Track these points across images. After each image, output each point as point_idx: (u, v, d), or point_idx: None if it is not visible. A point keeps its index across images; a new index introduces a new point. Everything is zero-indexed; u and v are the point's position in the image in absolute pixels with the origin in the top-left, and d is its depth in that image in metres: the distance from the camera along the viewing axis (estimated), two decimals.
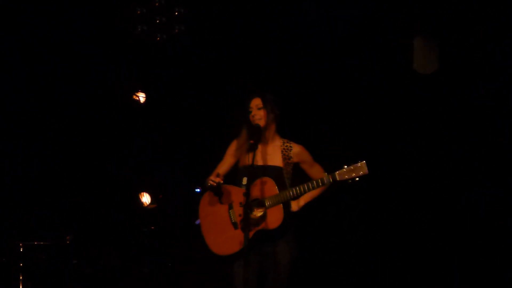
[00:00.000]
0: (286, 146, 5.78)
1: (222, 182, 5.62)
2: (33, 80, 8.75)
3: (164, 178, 9.11)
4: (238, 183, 5.72)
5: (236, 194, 5.59)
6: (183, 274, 8.62)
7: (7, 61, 8.54)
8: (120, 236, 8.92)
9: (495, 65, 7.26)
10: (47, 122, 8.88)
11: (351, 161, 5.50)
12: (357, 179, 5.46)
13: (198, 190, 8.50)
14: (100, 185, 9.03)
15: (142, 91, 9.11)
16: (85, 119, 8.95)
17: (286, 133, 5.89)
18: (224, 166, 5.88)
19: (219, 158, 5.94)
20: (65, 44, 8.66)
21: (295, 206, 5.74)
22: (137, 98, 9.14)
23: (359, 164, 5.45)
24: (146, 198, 9.17)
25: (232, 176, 5.80)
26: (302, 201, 5.78)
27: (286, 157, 5.73)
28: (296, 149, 5.79)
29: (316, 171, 5.77)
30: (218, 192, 5.68)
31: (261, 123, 5.74)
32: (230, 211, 5.66)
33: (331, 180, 5.49)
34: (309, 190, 5.55)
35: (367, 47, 7.87)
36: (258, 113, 5.77)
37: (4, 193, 8.63)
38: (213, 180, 5.59)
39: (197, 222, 5.95)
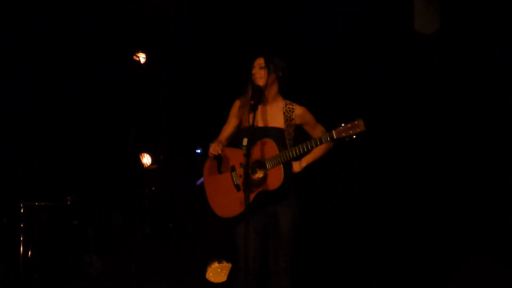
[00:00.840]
0: (289, 107, 5.74)
1: (222, 152, 5.62)
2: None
3: (164, 138, 9.09)
4: (240, 145, 5.71)
5: (238, 156, 5.57)
6: (185, 235, 8.64)
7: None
8: (121, 197, 8.92)
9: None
10: (50, 88, 8.86)
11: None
12: (354, 136, 5.43)
13: (199, 150, 8.51)
14: (101, 146, 9.03)
15: (142, 51, 9.07)
16: (88, 80, 8.92)
17: (290, 95, 5.85)
18: (228, 128, 5.87)
19: (220, 118, 5.92)
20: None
21: (297, 167, 5.72)
22: (138, 59, 9.10)
23: (356, 122, 5.39)
24: (146, 159, 9.17)
25: (238, 137, 5.78)
26: (304, 162, 5.75)
27: (288, 119, 5.70)
28: (298, 111, 5.75)
29: (318, 132, 5.71)
30: (219, 160, 5.69)
31: (261, 82, 5.71)
32: (233, 173, 5.65)
33: (328, 138, 5.43)
34: (307, 149, 5.51)
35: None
36: (259, 72, 5.74)
37: (5, 153, 8.63)
38: (214, 149, 5.60)
39: (198, 182, 5.94)
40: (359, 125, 5.39)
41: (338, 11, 7.76)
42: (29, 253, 7.97)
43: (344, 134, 5.42)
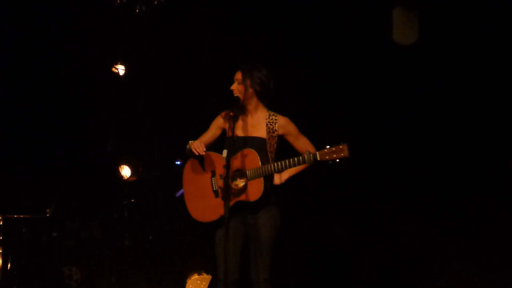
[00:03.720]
0: (272, 118, 5.76)
1: (204, 154, 5.62)
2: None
3: (144, 150, 9.08)
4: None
5: (220, 163, 5.58)
6: (164, 246, 8.62)
7: None
8: (100, 209, 8.89)
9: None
10: (28, 93, 8.82)
11: (334, 142, 5.51)
12: (338, 160, 5.47)
13: (179, 162, 8.50)
14: (80, 158, 8.99)
15: (121, 63, 9.05)
16: (66, 91, 8.89)
17: (275, 106, 5.88)
18: (207, 135, 5.89)
19: (201, 130, 5.93)
20: (46, 17, 8.62)
21: (277, 179, 5.78)
22: (116, 71, 9.08)
23: (341, 146, 5.44)
24: (126, 171, 9.15)
25: (220, 147, 5.77)
26: (286, 174, 5.83)
27: (270, 130, 5.72)
28: (281, 121, 5.77)
29: (302, 143, 5.76)
30: (200, 161, 5.70)
31: (240, 96, 5.74)
32: (213, 179, 5.69)
33: (312, 159, 5.48)
34: (290, 166, 5.55)
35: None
36: (237, 87, 5.77)
37: None
38: (197, 147, 5.59)
39: (178, 194, 5.95)
40: (343, 150, 5.44)
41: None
42: (8, 265, 7.91)
43: (327, 157, 5.47)
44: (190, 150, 5.65)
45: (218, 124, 5.90)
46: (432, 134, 7.64)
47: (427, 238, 7.63)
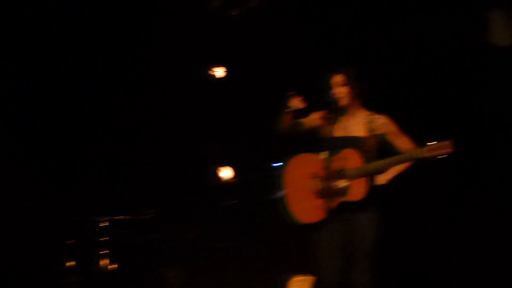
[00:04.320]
0: (371, 118, 5.73)
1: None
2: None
3: (242, 152, 9.11)
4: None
5: (319, 164, 5.57)
6: (264, 248, 8.63)
7: None
8: (198, 211, 8.96)
9: None
10: (130, 96, 8.98)
11: (433, 139, 5.45)
12: (442, 156, 5.40)
13: (277, 164, 8.50)
14: (179, 160, 9.09)
15: (218, 66, 9.12)
16: (167, 94, 9.00)
17: (372, 105, 5.83)
18: (305, 118, 5.87)
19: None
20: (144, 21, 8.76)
21: (382, 179, 5.70)
22: (213, 73, 9.15)
23: (446, 142, 5.38)
24: (225, 173, 9.20)
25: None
26: (390, 174, 5.74)
27: (370, 129, 5.69)
28: (380, 120, 5.73)
29: (402, 142, 5.69)
30: (293, 119, 5.68)
31: (344, 100, 5.71)
32: (313, 180, 5.64)
33: (418, 155, 5.44)
34: (394, 164, 5.52)
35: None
36: (340, 89, 5.73)
37: (85, 168, 8.76)
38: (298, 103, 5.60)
39: (277, 196, 5.95)
40: (448, 146, 5.36)
41: None
42: (108, 267, 8.05)
43: (434, 154, 5.39)
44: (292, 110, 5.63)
45: (315, 116, 5.88)
46: None
47: None
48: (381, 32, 8.01)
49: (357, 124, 5.74)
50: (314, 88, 5.93)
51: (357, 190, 5.48)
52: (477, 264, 7.55)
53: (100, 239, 8.09)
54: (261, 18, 8.57)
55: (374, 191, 5.60)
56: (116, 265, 8.15)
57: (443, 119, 7.61)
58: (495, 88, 7.55)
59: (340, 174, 5.53)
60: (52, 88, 8.65)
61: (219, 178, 9.16)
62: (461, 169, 7.37)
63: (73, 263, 8.08)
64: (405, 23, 7.88)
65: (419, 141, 5.55)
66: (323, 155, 5.54)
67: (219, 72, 9.12)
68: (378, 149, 5.72)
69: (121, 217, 8.28)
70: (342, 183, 5.53)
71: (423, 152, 5.43)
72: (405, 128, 5.78)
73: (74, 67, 8.75)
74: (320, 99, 5.81)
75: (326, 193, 5.32)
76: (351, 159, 5.53)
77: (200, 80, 9.13)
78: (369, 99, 5.86)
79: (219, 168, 9.19)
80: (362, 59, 7.50)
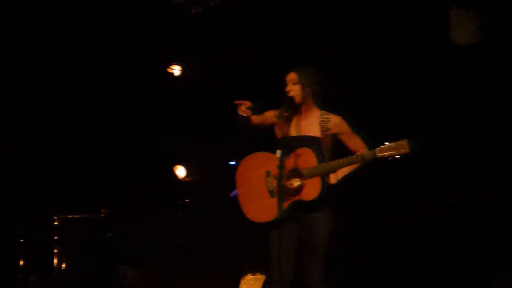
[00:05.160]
0: (324, 117, 5.72)
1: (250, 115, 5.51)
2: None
3: (198, 151, 9.09)
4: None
5: (273, 163, 5.50)
6: (217, 247, 8.62)
7: None
8: (155, 209, 8.92)
9: None
10: (84, 93, 8.91)
11: (391, 139, 5.46)
12: (397, 157, 5.42)
13: (233, 163, 8.49)
14: (135, 158, 9.05)
15: (176, 64, 9.08)
16: (123, 92, 8.96)
17: (326, 104, 5.83)
18: (258, 116, 5.78)
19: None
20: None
21: (333, 178, 5.69)
22: (172, 71, 9.12)
23: (400, 143, 5.40)
24: (180, 171, 9.17)
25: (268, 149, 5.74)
26: (341, 173, 5.72)
27: (324, 129, 5.68)
28: (334, 120, 5.73)
29: (355, 142, 5.73)
30: (247, 124, 5.58)
31: (296, 98, 5.70)
32: (267, 179, 5.63)
33: (371, 156, 5.46)
34: (348, 164, 5.53)
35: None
36: (292, 87, 5.73)
37: (39, 167, 8.68)
38: (244, 111, 5.47)
39: (232, 194, 5.93)
40: (403, 146, 5.39)
41: None
42: (63, 265, 7.98)
43: (387, 154, 5.43)
44: (241, 117, 5.53)
45: (270, 114, 5.83)
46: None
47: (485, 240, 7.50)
48: (341, 30, 8.02)
49: (311, 123, 5.74)
50: (275, 86, 5.93)
51: (310, 190, 5.47)
52: (428, 262, 7.60)
53: (56, 237, 8.00)
54: (223, 16, 8.53)
55: (328, 190, 5.59)
56: (71, 264, 8.07)
57: (401, 120, 7.64)
58: (454, 86, 7.60)
59: (294, 173, 5.52)
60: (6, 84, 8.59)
61: (176, 177, 9.13)
62: (415, 169, 7.40)
63: (28, 261, 7.98)
64: (365, 21, 7.89)
65: (378, 141, 5.57)
66: (278, 154, 5.50)
67: (177, 70, 9.09)
68: (333, 148, 5.73)
69: (77, 215, 8.21)
70: (295, 183, 5.52)
71: (376, 153, 5.45)
72: (363, 128, 5.80)
73: (28, 67, 8.68)
74: (280, 97, 5.79)
75: (280, 192, 5.30)
76: (304, 158, 5.52)
77: (158, 78, 9.09)
78: (327, 98, 5.86)
79: (176, 166, 9.16)
80: (323, 57, 7.51)
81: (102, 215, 8.33)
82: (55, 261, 7.97)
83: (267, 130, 5.90)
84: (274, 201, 5.49)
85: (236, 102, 5.47)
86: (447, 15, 7.62)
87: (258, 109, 5.69)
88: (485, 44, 7.43)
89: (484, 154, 7.43)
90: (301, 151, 5.54)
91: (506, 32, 7.33)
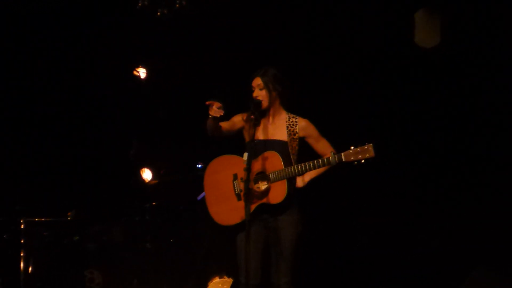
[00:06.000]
0: (292, 121, 5.75)
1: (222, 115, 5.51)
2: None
3: (165, 154, 9.07)
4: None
5: (241, 166, 5.53)
6: (185, 250, 8.61)
7: None
8: (122, 212, 8.89)
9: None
10: (48, 96, 8.85)
11: (359, 143, 5.50)
12: (363, 161, 5.47)
13: (200, 165, 8.48)
14: (102, 161, 9.01)
15: (142, 66, 9.06)
16: (88, 94, 8.92)
17: (293, 107, 5.86)
18: (227, 122, 5.81)
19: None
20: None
21: (300, 182, 5.72)
22: (138, 74, 9.09)
23: (366, 147, 5.44)
24: (147, 174, 9.14)
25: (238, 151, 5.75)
26: (307, 177, 5.75)
27: (291, 132, 5.70)
28: (301, 123, 5.76)
29: (322, 146, 5.77)
30: (216, 130, 5.61)
31: (264, 103, 5.73)
32: (234, 182, 5.66)
33: (336, 160, 5.50)
34: (314, 168, 5.56)
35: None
36: (259, 93, 5.75)
37: (5, 169, 8.61)
38: (215, 111, 5.46)
39: (199, 197, 5.94)
40: (369, 150, 5.44)
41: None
42: (30, 269, 7.93)
43: (352, 158, 5.47)
44: (212, 117, 5.52)
45: (238, 119, 5.86)
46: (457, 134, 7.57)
47: (451, 242, 7.55)
48: (308, 33, 8.05)
49: (278, 127, 5.77)
50: (242, 90, 5.95)
51: (277, 193, 5.51)
52: (393, 263, 7.65)
53: (22, 241, 7.95)
54: (188, 19, 8.51)
55: (294, 193, 5.63)
56: (38, 267, 8.02)
57: (367, 124, 7.68)
58: (426, 89, 7.66)
59: (261, 176, 5.55)
60: None
61: (142, 180, 9.10)
62: (381, 172, 7.45)
63: None
64: (332, 23, 7.92)
65: (345, 145, 5.60)
66: (245, 157, 5.52)
67: (143, 72, 9.06)
68: (300, 152, 5.76)
69: (44, 218, 8.16)
70: (262, 186, 5.55)
71: (342, 157, 5.49)
72: (331, 131, 5.83)
73: None
74: (247, 101, 5.81)
75: (247, 195, 5.32)
76: (271, 162, 5.56)
77: (124, 81, 9.06)
78: (295, 101, 5.89)
79: (142, 169, 9.13)
80: (289, 59, 7.54)
81: (68, 218, 8.30)
82: (22, 264, 7.91)
83: (235, 137, 5.92)
84: (241, 204, 5.53)
85: (207, 102, 5.47)
86: (412, 19, 7.68)
87: (225, 115, 5.70)
88: (449, 46, 7.50)
89: (449, 155, 7.52)
90: (268, 155, 5.58)
91: (469, 34, 7.41)
